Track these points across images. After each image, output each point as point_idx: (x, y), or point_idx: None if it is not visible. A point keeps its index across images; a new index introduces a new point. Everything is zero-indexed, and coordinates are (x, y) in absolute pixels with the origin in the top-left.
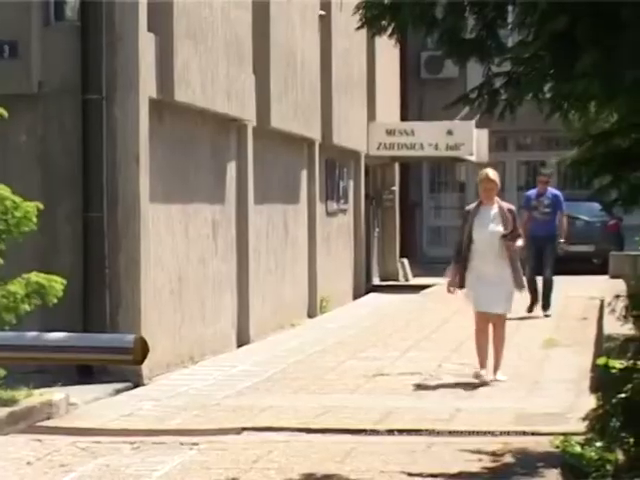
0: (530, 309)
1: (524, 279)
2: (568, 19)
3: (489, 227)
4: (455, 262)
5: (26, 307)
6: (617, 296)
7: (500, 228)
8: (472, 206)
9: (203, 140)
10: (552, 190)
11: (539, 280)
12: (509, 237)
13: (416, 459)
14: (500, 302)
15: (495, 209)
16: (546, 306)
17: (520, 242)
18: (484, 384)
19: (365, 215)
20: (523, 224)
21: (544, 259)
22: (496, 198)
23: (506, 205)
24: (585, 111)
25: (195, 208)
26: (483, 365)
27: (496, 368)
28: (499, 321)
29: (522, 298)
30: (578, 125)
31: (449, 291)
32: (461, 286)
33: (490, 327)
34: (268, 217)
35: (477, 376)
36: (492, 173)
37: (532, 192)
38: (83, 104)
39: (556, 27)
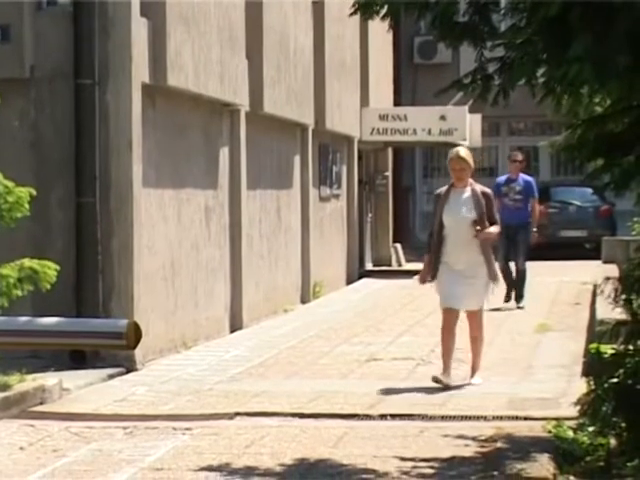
0: (507, 299)
1: (498, 271)
2: (561, 4)
3: (460, 212)
4: (428, 251)
5: (18, 292)
6: (607, 278)
7: (472, 213)
8: (443, 189)
9: (196, 125)
10: (524, 176)
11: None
12: (482, 224)
13: (409, 444)
14: (472, 297)
15: (467, 192)
16: (519, 298)
17: (494, 229)
18: (447, 387)
19: (358, 200)
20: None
21: (517, 248)
22: (470, 180)
23: (481, 188)
24: (578, 96)
25: (188, 194)
26: (446, 369)
27: (473, 371)
28: (474, 319)
29: (500, 288)
30: (566, 110)
31: (422, 282)
32: (433, 277)
33: (459, 327)
34: (261, 202)
35: (436, 380)
36: (463, 152)
37: (502, 178)
38: (75, 89)
39: (549, 12)
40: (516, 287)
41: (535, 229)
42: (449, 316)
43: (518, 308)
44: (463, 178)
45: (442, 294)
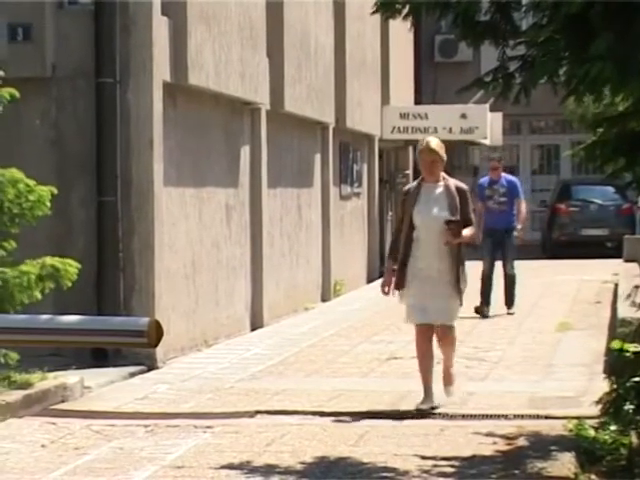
0: (478, 310)
1: (466, 281)
2: (582, 3)
3: (432, 211)
4: (390, 256)
5: (38, 294)
6: (637, 287)
7: (445, 213)
8: (412, 185)
9: (216, 124)
10: (507, 176)
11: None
12: (454, 225)
13: (429, 442)
14: (445, 309)
15: (440, 188)
16: (510, 303)
17: (468, 231)
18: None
19: (379, 199)
20: (478, 216)
21: (504, 253)
22: (443, 174)
23: (455, 183)
24: (600, 94)
25: (209, 192)
26: (427, 392)
27: (447, 389)
28: (444, 334)
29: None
30: (592, 109)
31: (384, 292)
32: (399, 286)
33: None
34: (282, 201)
35: (418, 410)
36: (434, 142)
37: (484, 180)
38: (97, 88)
39: (570, 10)
40: (506, 293)
41: (520, 228)
42: (424, 332)
43: (509, 314)
44: (434, 172)
45: (412, 308)
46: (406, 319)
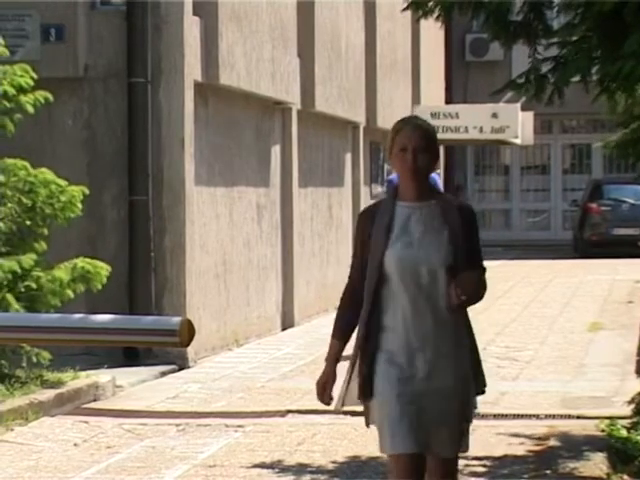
0: None
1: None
2: (615, 0)
3: (422, 250)
4: (336, 334)
5: (70, 294)
6: None
7: (442, 252)
8: (375, 204)
9: (247, 123)
10: None
11: None
12: (466, 277)
13: None
14: (449, 430)
15: (432, 207)
16: None
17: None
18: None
19: None
20: None
21: None
22: (434, 176)
23: (456, 200)
24: (632, 92)
25: (240, 192)
26: None
27: None
28: (447, 472)
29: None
30: (622, 109)
31: (322, 398)
32: (364, 393)
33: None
34: (312, 200)
35: None
36: (422, 128)
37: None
38: (129, 88)
39: (603, 8)
40: None
41: None
42: (406, 467)
43: None
44: (420, 176)
45: (388, 425)
46: (381, 445)
